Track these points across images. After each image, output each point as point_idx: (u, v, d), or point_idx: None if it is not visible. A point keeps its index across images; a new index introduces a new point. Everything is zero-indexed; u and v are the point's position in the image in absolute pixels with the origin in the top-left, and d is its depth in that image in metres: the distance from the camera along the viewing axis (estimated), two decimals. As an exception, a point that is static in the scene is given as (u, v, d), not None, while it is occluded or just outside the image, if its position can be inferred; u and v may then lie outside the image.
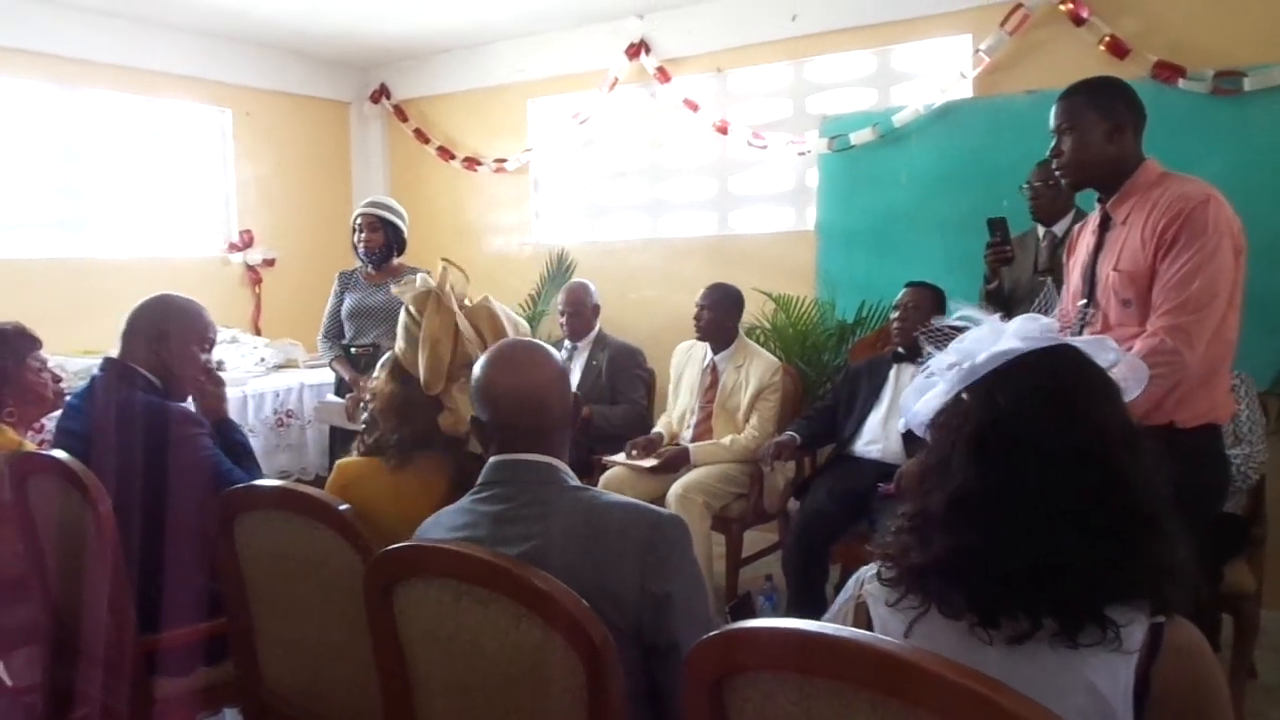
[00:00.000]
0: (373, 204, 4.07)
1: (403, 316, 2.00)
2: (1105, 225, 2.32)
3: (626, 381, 4.22)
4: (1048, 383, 1.14)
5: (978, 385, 1.17)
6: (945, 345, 1.24)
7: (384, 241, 4.01)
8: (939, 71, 4.40)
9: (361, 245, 4.04)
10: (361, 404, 3.46)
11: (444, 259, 2.08)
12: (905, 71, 4.61)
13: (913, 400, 1.26)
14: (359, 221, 4.04)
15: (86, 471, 2.00)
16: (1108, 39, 3.91)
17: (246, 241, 5.76)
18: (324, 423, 4.15)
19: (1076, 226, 2.53)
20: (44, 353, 2.76)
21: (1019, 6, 4.08)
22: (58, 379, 2.78)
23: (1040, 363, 1.16)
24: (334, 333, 4.17)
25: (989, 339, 1.20)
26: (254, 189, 5.83)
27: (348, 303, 4.11)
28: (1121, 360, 1.22)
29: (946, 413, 1.19)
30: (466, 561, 1.37)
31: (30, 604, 2.28)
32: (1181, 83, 3.74)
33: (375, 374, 2.04)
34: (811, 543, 3.29)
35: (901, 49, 4.58)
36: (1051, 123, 2.33)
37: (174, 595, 2.01)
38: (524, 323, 2.14)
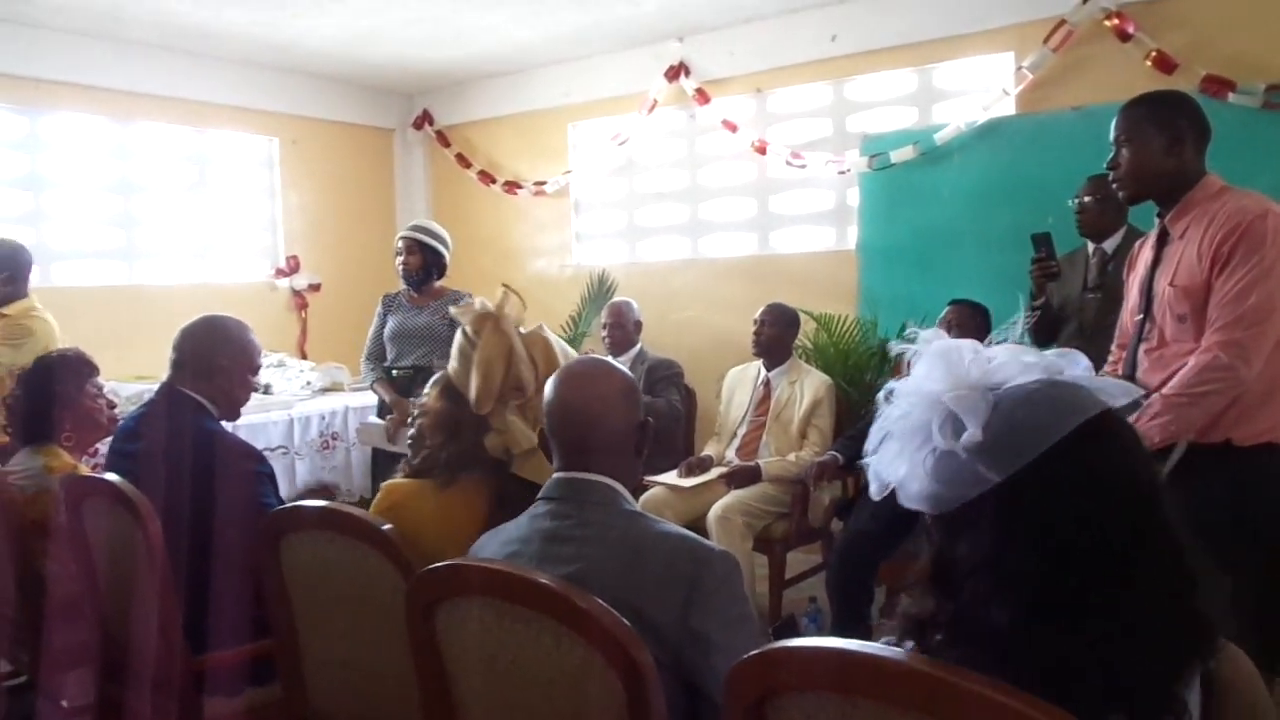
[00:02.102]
0: (413, 227, 4.13)
1: (458, 337, 2.04)
2: (1163, 240, 2.29)
3: (662, 385, 4.23)
4: (1115, 474, 0.97)
5: (1029, 478, 0.95)
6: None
7: (422, 264, 4.05)
8: (981, 89, 4.37)
9: (401, 268, 4.09)
10: (410, 420, 3.52)
11: (504, 284, 2.12)
12: (947, 89, 4.59)
13: (883, 461, 1.06)
14: (400, 245, 4.10)
15: (139, 494, 2.04)
16: (1155, 54, 3.85)
17: (293, 267, 5.87)
18: (366, 444, 4.20)
19: (1138, 243, 2.49)
20: (99, 379, 2.83)
21: (1062, 23, 4.04)
22: (112, 404, 2.84)
23: (1101, 449, 0.97)
24: (376, 355, 4.21)
25: (958, 382, 1.01)
26: (300, 215, 5.94)
27: (390, 325, 4.15)
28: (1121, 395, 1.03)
29: (982, 505, 0.98)
30: (507, 580, 1.38)
31: (84, 624, 2.32)
32: (1232, 97, 3.68)
33: (426, 391, 2.06)
34: (856, 564, 3.25)
35: (943, 67, 4.56)
36: (1111, 134, 2.30)
37: (222, 617, 2.04)
38: (573, 353, 2.16)
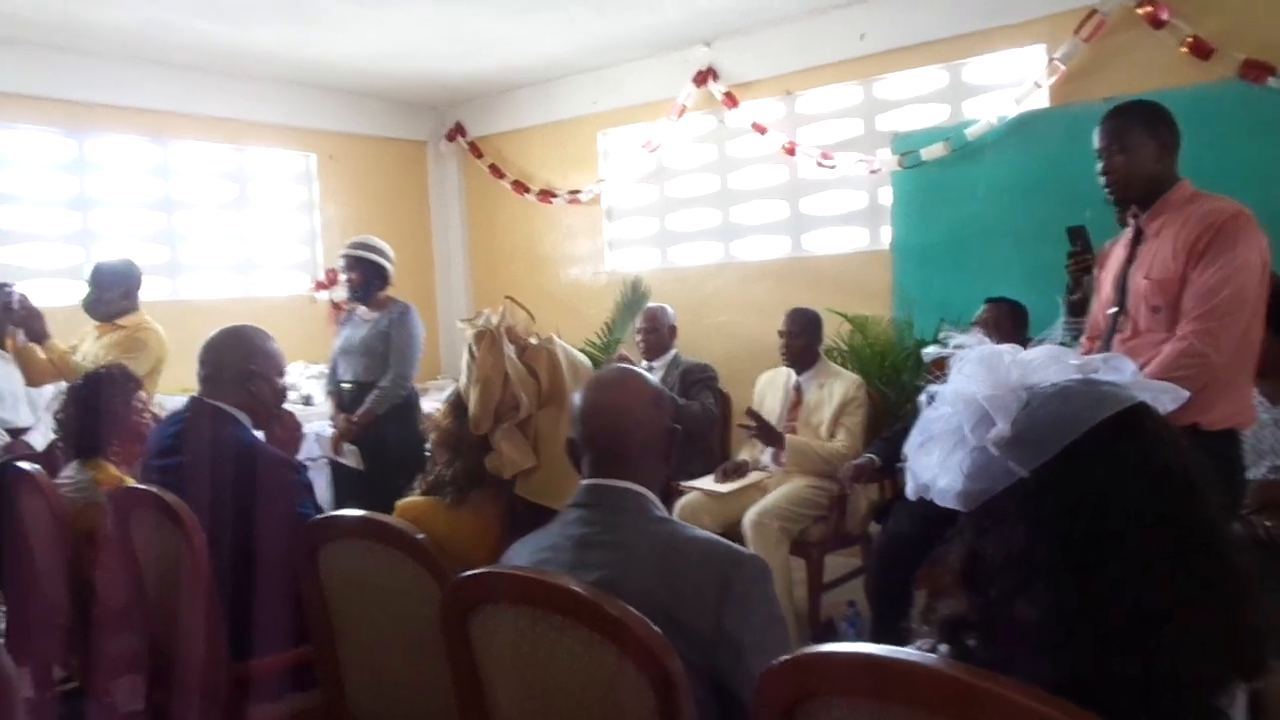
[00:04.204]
0: (350, 245, 4.20)
1: (465, 353, 2.03)
2: (1138, 239, 2.44)
3: (696, 389, 4.23)
4: (1146, 464, 0.95)
5: (1055, 471, 0.95)
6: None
7: (361, 279, 4.13)
8: (1013, 82, 4.32)
9: (345, 285, 4.23)
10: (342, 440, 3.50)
11: (508, 296, 2.10)
12: (977, 84, 4.55)
13: (922, 464, 1.06)
14: (341, 263, 4.20)
15: (184, 506, 2.08)
16: (1190, 40, 3.79)
17: (331, 280, 5.95)
18: (324, 455, 4.28)
19: (1108, 242, 2.65)
20: (143, 393, 2.90)
21: (1094, 13, 3.99)
22: (156, 418, 2.91)
23: (1131, 441, 0.96)
24: (332, 367, 4.32)
25: (998, 384, 1.00)
26: (338, 229, 6.03)
27: (339, 340, 4.25)
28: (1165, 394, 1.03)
29: (1011, 500, 0.98)
30: (539, 587, 1.39)
31: (132, 632, 2.37)
32: (1271, 81, 3.60)
33: (438, 406, 2.07)
34: (894, 567, 3.21)
35: (973, 62, 4.52)
36: (1097, 143, 2.44)
37: (263, 624, 2.07)
38: (586, 363, 2.13)
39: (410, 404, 4.11)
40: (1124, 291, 2.45)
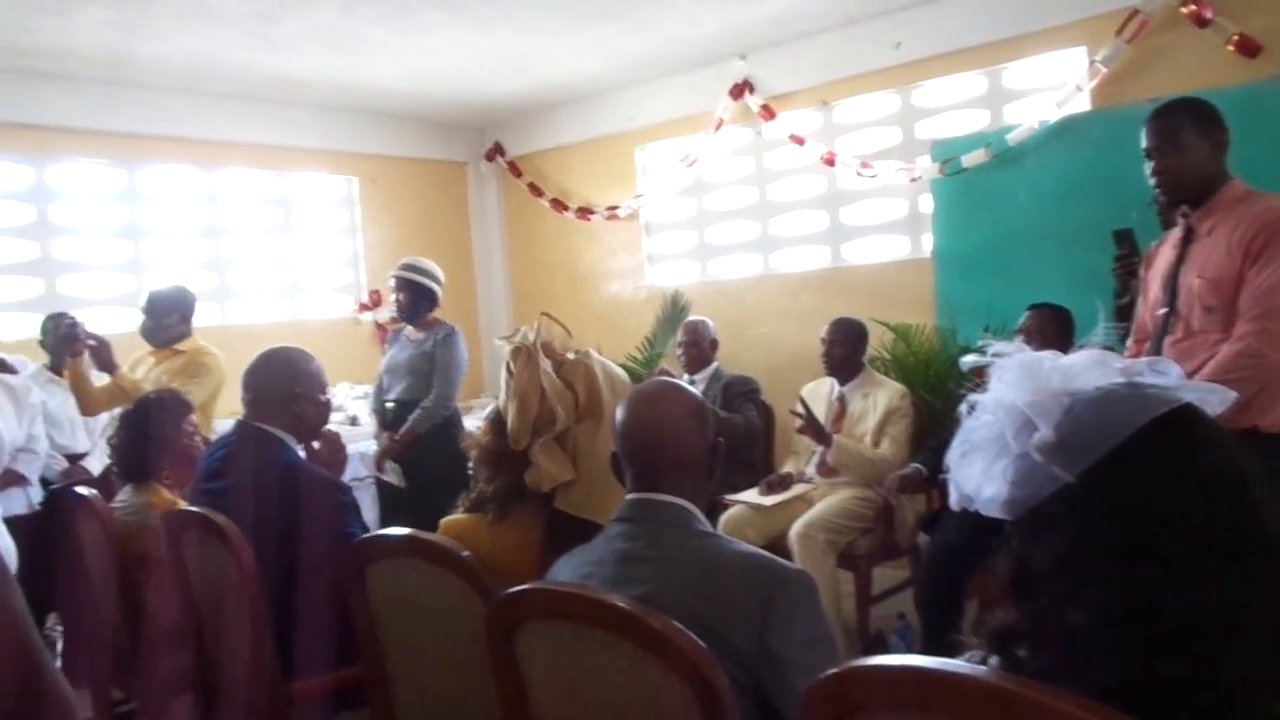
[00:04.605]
0: (401, 266, 4.26)
1: (503, 370, 2.05)
2: (1188, 238, 2.40)
3: (739, 401, 4.22)
4: (1194, 466, 0.93)
5: (1101, 475, 0.93)
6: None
7: (410, 300, 4.19)
8: (1054, 86, 4.27)
9: (394, 304, 4.30)
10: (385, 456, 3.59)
11: (544, 313, 2.11)
12: (1017, 89, 4.50)
13: (965, 474, 1.04)
14: (391, 283, 4.27)
15: (234, 527, 2.11)
16: (1236, 38, 3.71)
17: (375, 301, 6.03)
18: (369, 474, 4.33)
19: (1155, 243, 2.61)
20: (194, 417, 2.96)
21: (1135, 13, 3.92)
22: (207, 442, 2.96)
23: (1178, 443, 0.94)
24: (378, 386, 4.37)
25: (1039, 390, 0.99)
26: (380, 251, 6.11)
27: (385, 359, 4.33)
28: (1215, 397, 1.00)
29: (1057, 506, 0.96)
30: (582, 603, 1.39)
31: (185, 653, 2.41)
32: (1321, 77, 3.53)
33: (478, 424, 2.08)
34: (944, 578, 3.17)
35: (1012, 67, 4.47)
36: (1146, 142, 2.39)
37: (312, 644, 2.09)
38: (624, 377, 2.13)
39: (453, 423, 4.15)
40: (1174, 292, 2.41)
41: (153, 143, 5.16)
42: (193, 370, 3.85)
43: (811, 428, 3.68)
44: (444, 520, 2.03)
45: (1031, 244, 4.24)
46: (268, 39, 4.42)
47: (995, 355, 1.06)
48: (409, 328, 4.26)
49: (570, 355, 2.06)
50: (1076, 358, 1.03)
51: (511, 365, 2.02)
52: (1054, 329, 3.29)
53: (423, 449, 3.98)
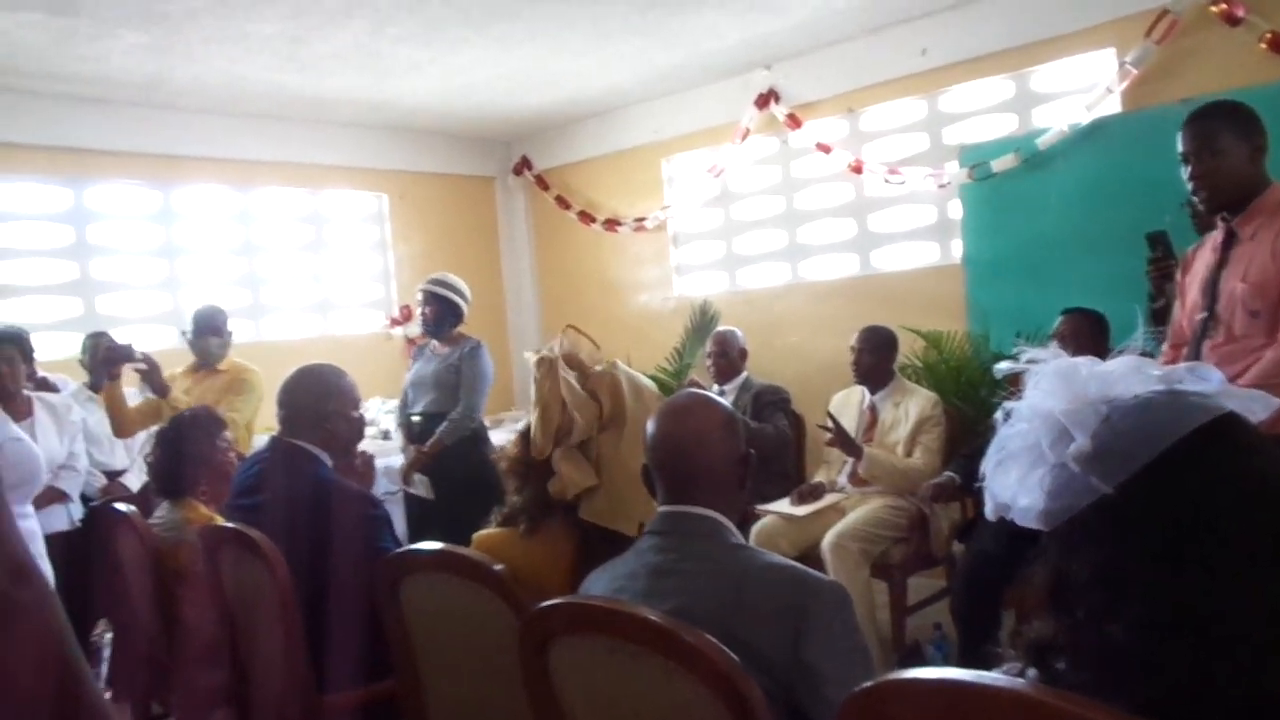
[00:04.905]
0: (429, 281, 4.29)
1: (532, 382, 2.07)
2: (1229, 242, 2.37)
3: (769, 411, 4.20)
4: (1239, 475, 0.91)
5: (1141, 486, 0.91)
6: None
7: (435, 313, 4.21)
8: (1083, 89, 4.23)
9: (420, 318, 4.33)
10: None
11: (569, 326, 2.13)
12: (1046, 93, 4.46)
13: (1000, 483, 1.02)
14: (419, 297, 4.29)
15: (269, 542, 2.14)
16: (1269, 36, 3.66)
17: (406, 316, 6.08)
18: (390, 482, 4.34)
19: (1192, 247, 2.57)
20: (228, 433, 2.99)
21: (1165, 13, 3.88)
22: (241, 457, 3.00)
23: (1221, 452, 0.91)
24: (403, 399, 4.40)
25: (1075, 398, 0.97)
26: (410, 266, 6.16)
27: (410, 372, 4.35)
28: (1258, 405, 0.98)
29: (1095, 517, 0.94)
30: (615, 617, 1.39)
31: (221, 667, 2.44)
32: (1359, 73, 3.47)
33: (512, 438, 2.10)
34: (980, 588, 3.13)
35: (1040, 70, 4.44)
36: (1182, 147, 2.36)
37: (346, 658, 2.11)
38: (651, 387, 2.13)
39: (480, 436, 4.18)
40: (1214, 296, 2.37)
41: (188, 163, 5.25)
42: (238, 388, 3.91)
43: (841, 440, 3.66)
44: (476, 535, 2.04)
45: (1063, 248, 4.20)
46: (298, 60, 4.48)
47: (1030, 362, 1.05)
48: (434, 342, 4.29)
49: (598, 367, 2.07)
50: (1114, 364, 1.01)
51: (535, 375, 2.05)
52: (1088, 334, 3.26)
53: (450, 462, 4.00)
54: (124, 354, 3.71)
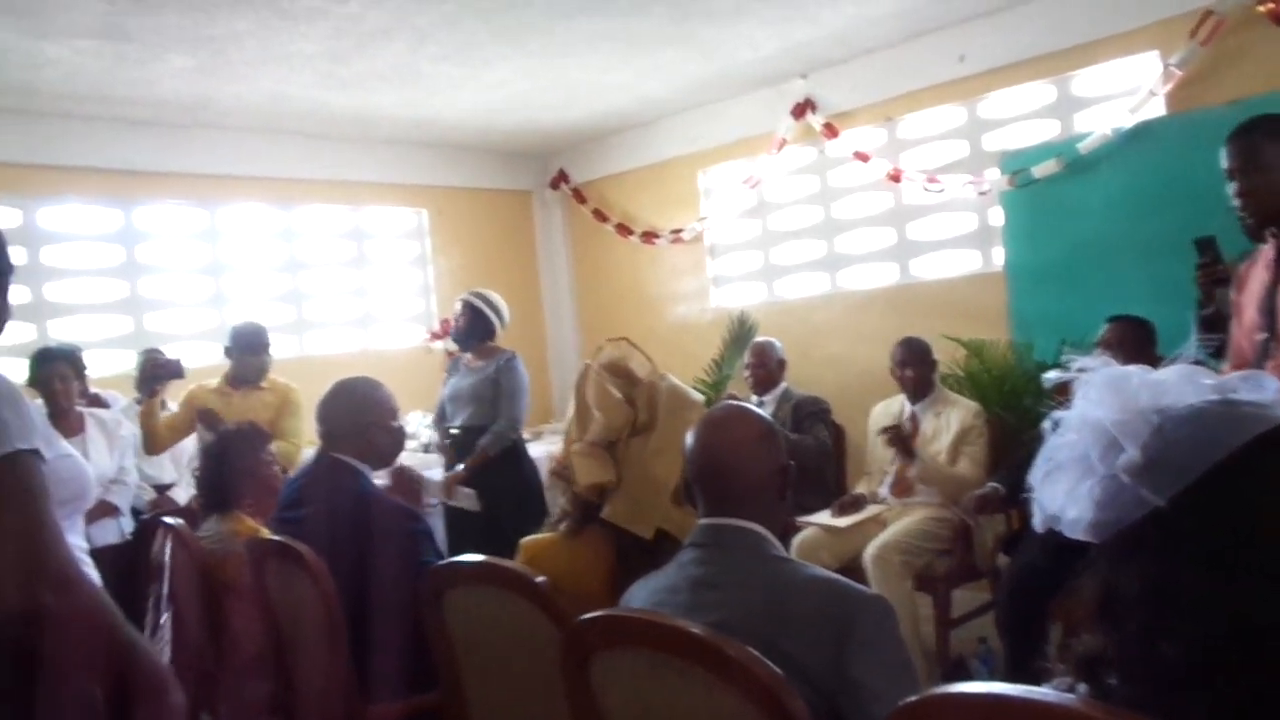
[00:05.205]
0: (470, 292, 4.33)
1: None
2: None
3: (809, 422, 4.17)
4: None
5: (1194, 499, 0.90)
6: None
7: (465, 324, 4.25)
8: (1126, 92, 4.17)
9: (453, 326, 4.39)
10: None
11: (623, 338, 2.18)
12: (1088, 97, 4.40)
13: (1048, 494, 1.00)
14: (457, 306, 4.33)
15: (310, 553, 2.16)
16: (1318, 35, 3.59)
17: (446, 330, 6.12)
18: (429, 497, 4.34)
19: (1244, 264, 2.48)
20: (273, 447, 3.04)
21: (1209, 14, 3.82)
22: (285, 470, 3.04)
23: (1273, 461, 0.89)
24: (439, 414, 4.44)
25: (1126, 408, 0.96)
26: (449, 280, 6.22)
27: (447, 387, 4.37)
28: None
29: (1146, 530, 0.93)
30: (657, 630, 1.38)
31: (268, 678, 2.47)
32: None
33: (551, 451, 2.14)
34: (1026, 601, 3.08)
35: (1082, 74, 4.38)
36: (1227, 163, 2.30)
37: (390, 670, 2.13)
38: (694, 398, 2.15)
39: (518, 449, 4.19)
40: (1272, 315, 2.28)
41: (233, 182, 5.35)
42: (289, 409, 3.96)
43: (898, 440, 3.60)
44: (524, 540, 2.08)
45: (1108, 255, 4.13)
46: (340, 79, 4.56)
47: (1079, 370, 1.03)
48: (468, 355, 4.31)
49: (642, 377, 2.11)
50: (1166, 373, 0.99)
51: (576, 382, 2.11)
52: (1134, 342, 3.20)
53: (490, 475, 4.02)
54: (171, 370, 3.76)
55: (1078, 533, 1.01)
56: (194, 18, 3.63)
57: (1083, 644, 1.01)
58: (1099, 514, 0.98)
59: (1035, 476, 1.05)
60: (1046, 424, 1.05)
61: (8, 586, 1.24)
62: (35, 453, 1.31)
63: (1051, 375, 1.11)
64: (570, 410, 2.08)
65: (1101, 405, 0.99)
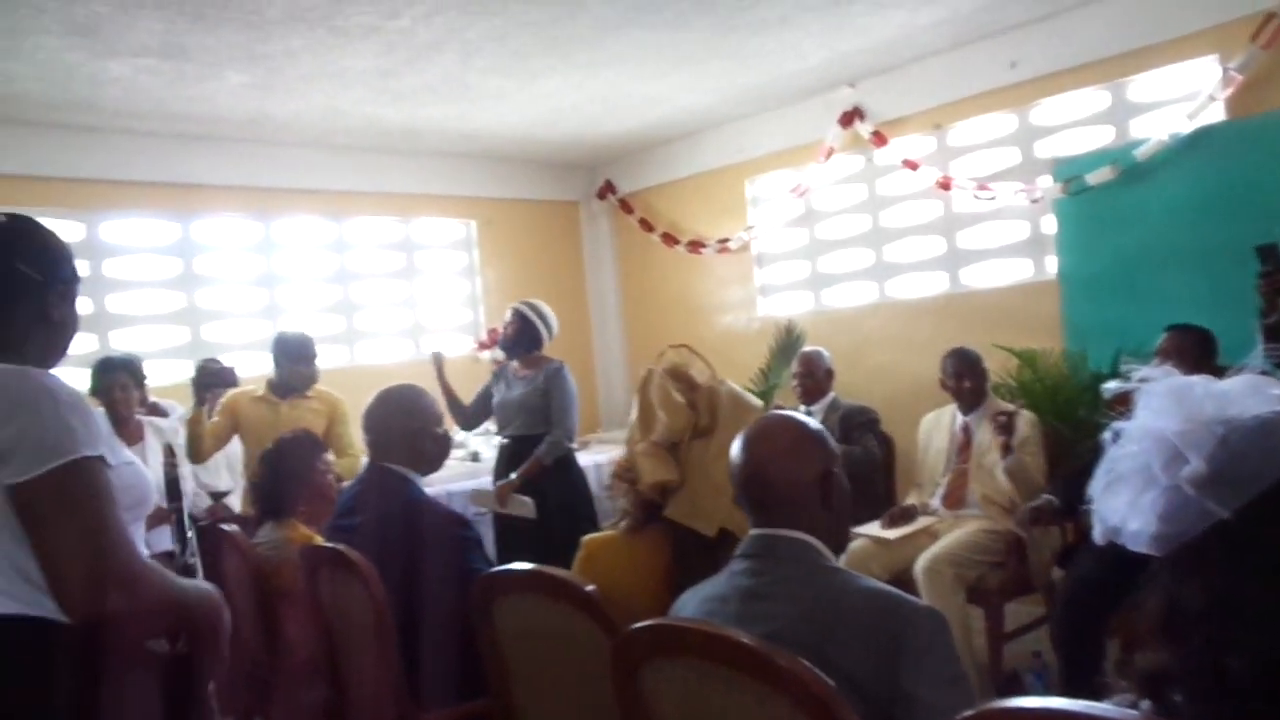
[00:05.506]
0: (522, 301, 4.36)
1: None
2: None
3: (858, 432, 4.13)
4: None
5: (1262, 511, 0.89)
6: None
7: (514, 333, 4.28)
8: (1184, 97, 4.08)
9: (502, 333, 4.41)
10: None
11: (684, 345, 2.26)
12: (1144, 102, 4.32)
13: (1110, 506, 1.03)
14: (508, 315, 4.36)
15: (363, 560, 2.19)
16: (1385, 36, 3.49)
17: (493, 340, 6.17)
18: (477, 506, 4.34)
19: None
20: (328, 456, 3.08)
21: (1271, 17, 3.73)
22: (339, 479, 3.08)
23: None
24: (471, 412, 4.47)
25: (1189, 418, 0.94)
26: (497, 291, 6.28)
27: (495, 396, 4.39)
28: None
29: (1211, 543, 0.92)
30: (708, 640, 1.38)
31: (321, 684, 2.50)
32: None
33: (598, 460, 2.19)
34: (1083, 615, 3.01)
35: (1138, 80, 4.29)
36: None
37: (440, 677, 2.14)
38: (753, 404, 2.19)
39: (568, 458, 4.21)
40: None
41: (287, 195, 5.46)
42: (342, 418, 4.02)
43: (1007, 429, 3.44)
44: (586, 537, 2.13)
45: (1165, 263, 4.05)
46: (391, 93, 4.63)
47: (1141, 380, 1.01)
48: (514, 364, 4.34)
49: (703, 383, 2.17)
50: (1230, 383, 0.97)
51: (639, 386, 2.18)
52: (1194, 351, 3.13)
53: (542, 485, 4.04)
54: (225, 378, 3.82)
55: (1140, 545, 1.00)
56: (250, 35, 3.72)
57: (1145, 660, 0.99)
58: (1162, 526, 0.96)
59: (1096, 488, 1.04)
60: (1107, 434, 1.04)
61: (76, 589, 1.28)
62: (101, 458, 1.35)
63: (1112, 385, 1.09)
64: (633, 413, 2.14)
65: (1164, 416, 0.98)
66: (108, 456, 1.37)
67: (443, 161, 6.01)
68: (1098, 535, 1.05)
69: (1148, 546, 0.99)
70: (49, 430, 1.30)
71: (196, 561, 2.94)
